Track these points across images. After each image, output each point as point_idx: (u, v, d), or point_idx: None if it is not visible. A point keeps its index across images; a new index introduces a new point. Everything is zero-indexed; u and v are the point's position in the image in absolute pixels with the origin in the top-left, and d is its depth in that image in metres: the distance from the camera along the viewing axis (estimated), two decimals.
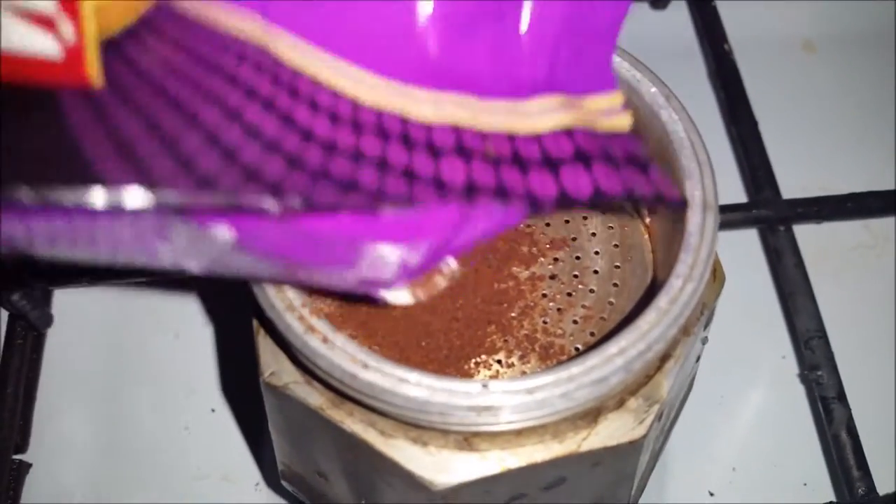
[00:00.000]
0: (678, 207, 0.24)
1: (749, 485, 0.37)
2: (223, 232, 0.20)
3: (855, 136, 0.47)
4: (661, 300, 0.22)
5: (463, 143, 0.22)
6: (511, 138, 0.22)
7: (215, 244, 0.20)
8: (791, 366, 0.40)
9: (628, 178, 0.22)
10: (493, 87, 0.24)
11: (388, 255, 0.22)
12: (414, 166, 0.21)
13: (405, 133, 0.22)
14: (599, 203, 0.23)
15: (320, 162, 0.20)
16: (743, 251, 0.42)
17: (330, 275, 0.22)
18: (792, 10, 0.51)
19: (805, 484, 0.37)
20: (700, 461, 0.37)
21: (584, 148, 0.22)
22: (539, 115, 0.23)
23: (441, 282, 0.23)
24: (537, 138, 0.23)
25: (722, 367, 0.39)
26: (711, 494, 0.37)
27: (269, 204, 0.19)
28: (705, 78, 0.48)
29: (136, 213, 0.18)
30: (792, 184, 0.42)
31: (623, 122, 0.23)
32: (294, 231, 0.21)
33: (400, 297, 0.23)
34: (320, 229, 0.21)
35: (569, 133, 0.23)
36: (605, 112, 0.23)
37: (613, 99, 0.24)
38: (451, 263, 0.23)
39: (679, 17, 0.50)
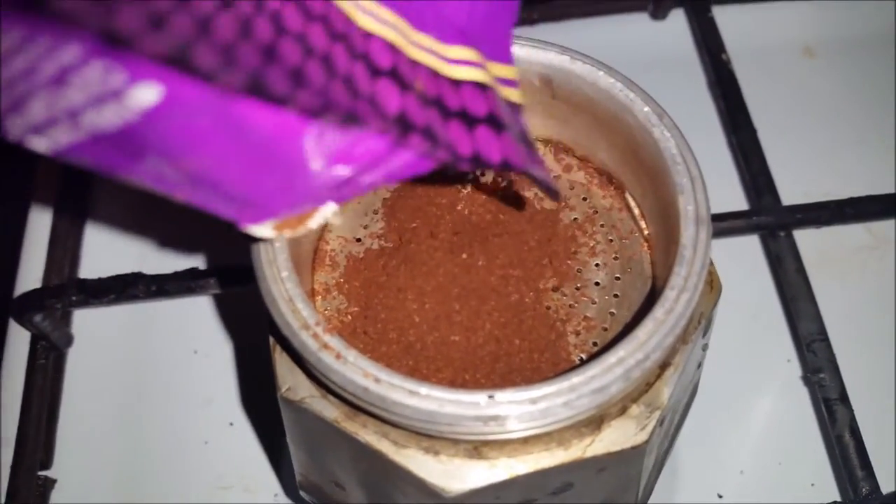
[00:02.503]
0: (553, 196, 0.26)
1: (757, 486, 0.38)
2: (146, 93, 0.18)
3: (855, 141, 0.47)
4: (658, 311, 0.23)
5: (398, 69, 0.21)
6: (436, 78, 0.22)
7: (120, 110, 0.18)
8: (796, 369, 0.40)
9: (528, 157, 0.22)
10: (422, 20, 0.23)
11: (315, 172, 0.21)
12: (355, 77, 0.20)
13: (347, 34, 0.20)
14: (503, 172, 0.23)
15: (271, 40, 0.18)
16: (745, 257, 0.43)
17: (214, 195, 0.21)
18: (792, 16, 0.52)
19: (812, 484, 0.38)
20: (708, 464, 0.38)
21: (496, 113, 0.22)
22: (457, 65, 0.23)
23: (312, 223, 0.23)
24: (457, 87, 0.22)
25: (728, 371, 0.39)
26: (720, 497, 0.37)
27: (219, 66, 0.17)
28: (705, 87, 0.48)
29: (54, 31, 0.17)
30: (794, 189, 0.43)
31: (517, 95, 0.23)
32: (226, 119, 0.19)
33: (264, 231, 0.23)
34: (256, 123, 0.20)
35: (483, 90, 0.23)
36: (505, 81, 0.23)
37: (512, 70, 0.24)
38: (330, 206, 0.23)
39: (678, 28, 0.51)
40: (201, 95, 0.19)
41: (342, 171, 0.22)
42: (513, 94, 0.23)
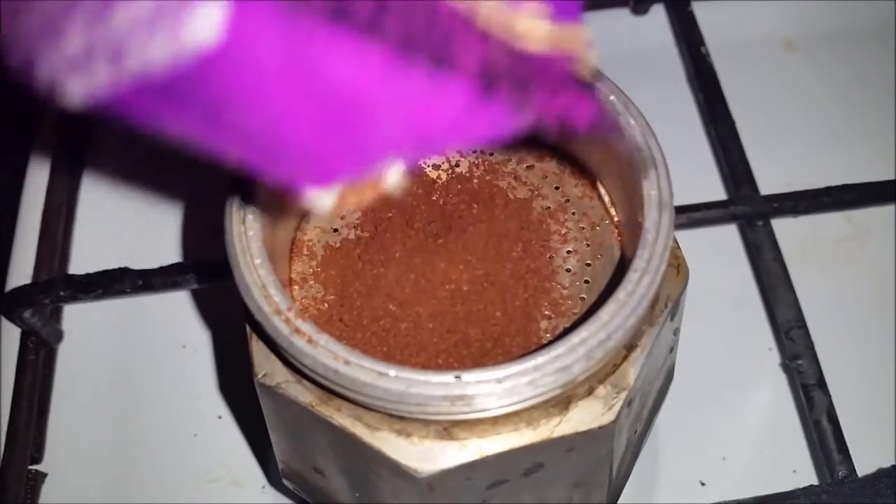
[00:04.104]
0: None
1: (739, 473, 0.38)
2: (208, 18, 0.15)
3: (835, 132, 0.48)
4: (620, 293, 0.24)
5: (474, 29, 0.19)
6: (509, 46, 0.20)
7: (174, 42, 0.16)
8: (776, 357, 0.41)
9: (611, 123, 0.21)
10: None
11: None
12: (436, 21, 0.18)
13: None
14: (592, 136, 0.21)
15: None
16: (724, 247, 0.44)
17: (272, 154, 0.19)
18: (772, 10, 0.52)
19: (794, 471, 0.38)
20: (690, 451, 0.39)
21: (574, 78, 0.21)
22: (525, 37, 0.21)
23: (370, 194, 0.21)
24: (531, 56, 0.21)
25: (709, 359, 0.40)
26: (703, 484, 0.38)
27: None
28: (684, 81, 0.49)
29: None
30: (775, 181, 0.43)
31: (587, 64, 0.22)
32: (301, 56, 0.17)
33: (326, 199, 0.20)
34: (335, 63, 0.17)
35: (557, 58, 0.21)
36: (571, 51, 0.21)
37: (580, 36, 0.22)
38: (397, 170, 0.20)
39: (659, 22, 0.51)
40: (273, 23, 0.16)
41: (422, 126, 0.19)
42: (584, 65, 0.22)
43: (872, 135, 0.47)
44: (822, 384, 0.37)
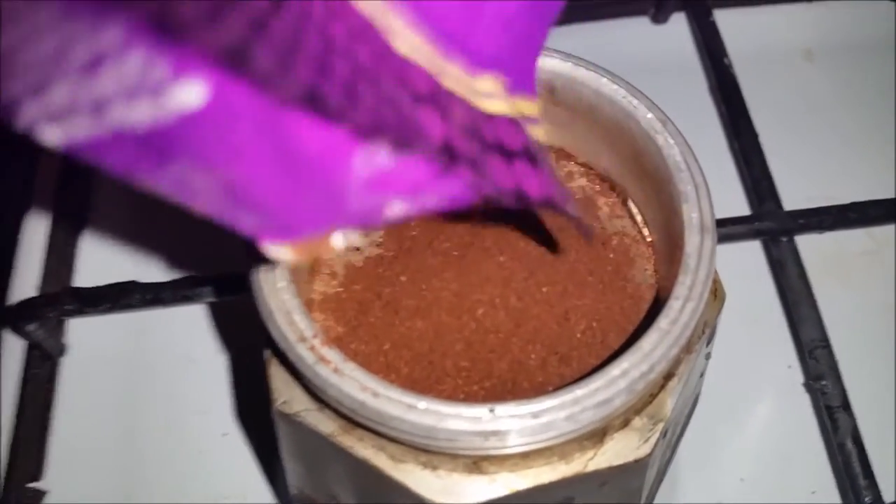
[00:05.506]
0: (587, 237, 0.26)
1: (758, 495, 0.37)
2: (189, 92, 0.16)
3: (858, 145, 0.47)
4: (662, 321, 0.22)
5: (437, 97, 0.20)
6: (470, 109, 0.21)
7: (155, 108, 0.17)
8: (797, 375, 0.40)
9: (564, 194, 0.21)
10: (450, 46, 0.22)
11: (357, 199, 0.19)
12: (400, 101, 0.19)
13: (388, 57, 0.19)
14: (546, 208, 0.22)
15: (321, 52, 0.17)
16: (747, 263, 0.43)
17: (239, 209, 0.19)
18: (794, 19, 0.51)
19: (813, 492, 0.37)
20: (709, 472, 0.38)
21: (531, 147, 0.22)
22: (488, 98, 0.22)
23: (332, 248, 0.21)
24: (490, 120, 0.21)
25: (729, 377, 0.39)
26: None
27: (277, 69, 0.16)
28: (706, 91, 0.48)
29: (95, 10, 0.15)
30: (796, 194, 0.43)
31: (539, 133, 0.23)
32: (271, 129, 0.18)
33: (282, 252, 0.21)
34: (303, 138, 0.18)
35: (515, 124, 0.22)
36: (528, 119, 0.22)
37: (534, 106, 0.23)
38: (353, 232, 0.21)
39: (679, 32, 0.50)
40: (249, 101, 0.17)
41: (380, 197, 0.20)
42: (537, 132, 0.22)
43: (893, 148, 0.46)
44: (846, 406, 0.36)
